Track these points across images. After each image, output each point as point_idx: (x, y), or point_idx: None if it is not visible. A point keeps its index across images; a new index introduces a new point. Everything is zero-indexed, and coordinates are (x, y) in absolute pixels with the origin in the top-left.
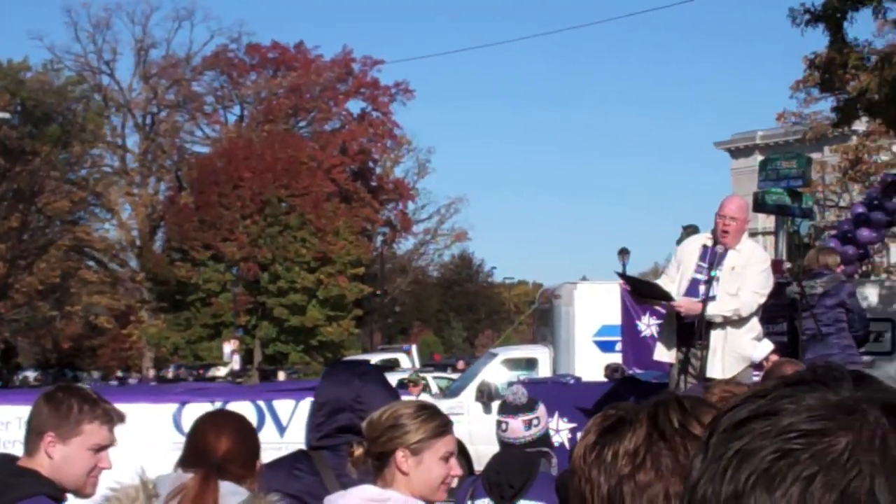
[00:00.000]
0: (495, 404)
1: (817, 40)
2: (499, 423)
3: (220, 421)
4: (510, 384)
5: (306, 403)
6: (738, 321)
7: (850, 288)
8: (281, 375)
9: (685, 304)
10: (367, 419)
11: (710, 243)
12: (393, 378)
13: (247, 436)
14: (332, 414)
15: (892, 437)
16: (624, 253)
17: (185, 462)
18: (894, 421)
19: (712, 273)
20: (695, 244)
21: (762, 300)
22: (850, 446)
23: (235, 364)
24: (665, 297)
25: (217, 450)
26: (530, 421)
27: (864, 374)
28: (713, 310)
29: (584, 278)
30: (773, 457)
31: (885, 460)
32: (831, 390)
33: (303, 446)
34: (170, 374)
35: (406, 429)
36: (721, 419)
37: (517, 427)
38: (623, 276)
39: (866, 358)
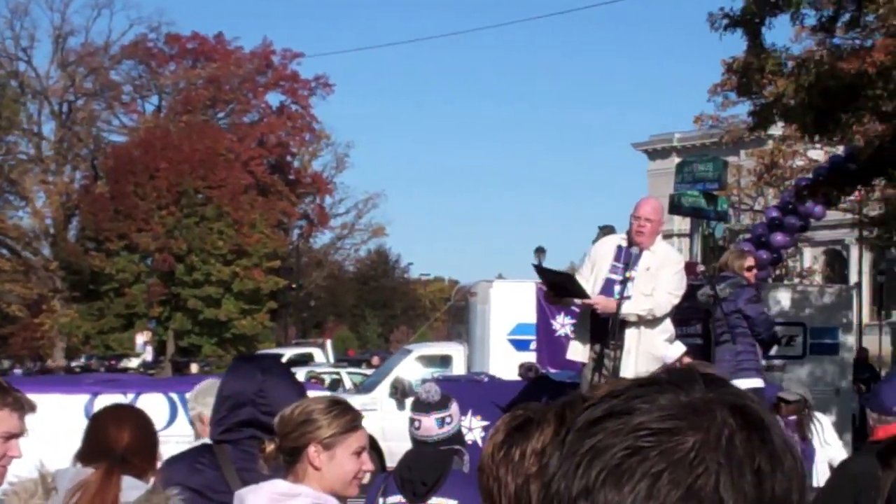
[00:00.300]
0: (409, 401)
1: (735, 44)
2: (412, 420)
3: (120, 415)
4: (424, 381)
5: None
6: (652, 322)
7: (749, 293)
8: (194, 368)
9: (601, 301)
10: (279, 415)
11: (624, 244)
12: (306, 372)
13: (147, 429)
14: (234, 408)
15: (738, 436)
16: (540, 251)
17: (85, 456)
18: (741, 421)
19: (627, 273)
20: (609, 244)
21: (676, 301)
22: (698, 445)
23: (148, 355)
24: (579, 292)
25: (119, 444)
26: (443, 418)
27: (717, 376)
28: (628, 308)
29: (500, 276)
30: (623, 453)
31: (730, 459)
32: (683, 391)
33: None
34: (79, 363)
35: (318, 424)
36: (578, 418)
37: (430, 425)
38: (539, 268)
39: (777, 362)
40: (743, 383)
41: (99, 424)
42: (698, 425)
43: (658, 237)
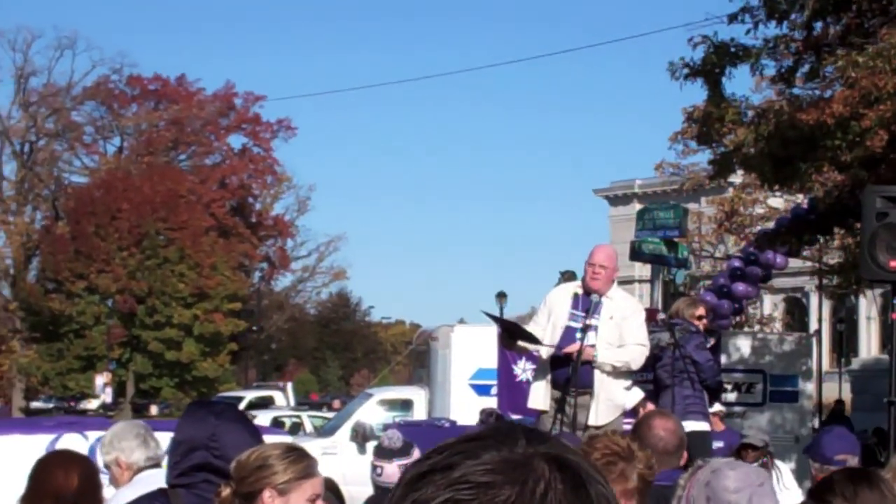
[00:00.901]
0: (370, 444)
1: (696, 93)
2: (374, 466)
3: (68, 460)
4: (385, 426)
5: None
6: (613, 370)
7: (698, 339)
8: (153, 410)
9: (574, 348)
10: (236, 459)
11: (580, 291)
12: (267, 416)
13: (93, 475)
14: (188, 452)
15: (554, 489)
16: (502, 296)
17: (31, 500)
18: (560, 474)
19: (589, 322)
20: (564, 293)
21: (647, 352)
22: (513, 497)
23: (107, 397)
24: (531, 339)
25: (68, 488)
26: (405, 465)
27: (539, 431)
28: (604, 358)
29: (462, 320)
30: None
31: None
32: (506, 447)
33: None
34: (42, 405)
35: (274, 469)
36: (405, 474)
37: (392, 472)
38: (492, 316)
39: (737, 409)
40: (690, 425)
41: (45, 470)
42: (516, 479)
43: (614, 284)
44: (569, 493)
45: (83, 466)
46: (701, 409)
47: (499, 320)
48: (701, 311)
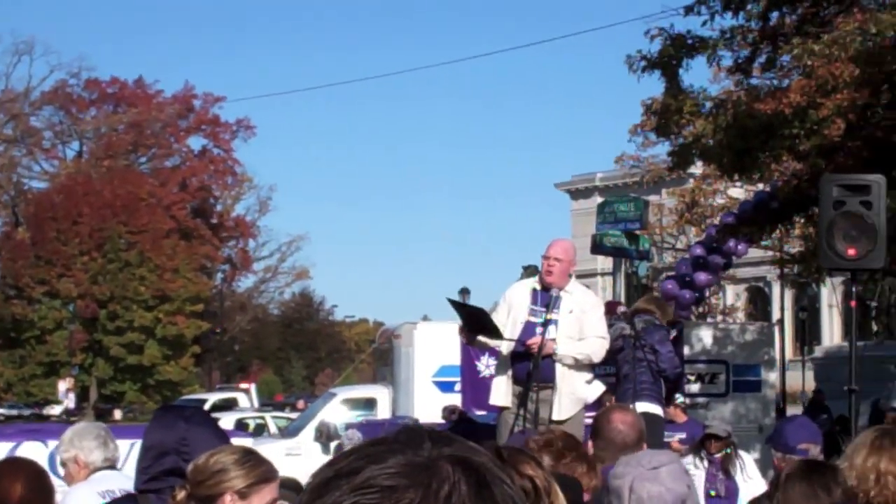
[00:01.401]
0: (334, 444)
1: (654, 85)
2: None
3: (13, 468)
4: (348, 425)
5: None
6: (574, 364)
7: (662, 332)
8: (117, 414)
9: (536, 342)
10: (192, 463)
11: (538, 286)
12: (231, 418)
13: (41, 480)
14: (158, 457)
15: (459, 490)
16: (465, 292)
17: None
18: (465, 476)
19: (549, 316)
20: (523, 289)
21: (608, 345)
22: (417, 500)
23: (70, 402)
24: (493, 330)
25: (13, 497)
26: None
27: (445, 434)
28: (565, 351)
29: (425, 317)
30: None
31: None
32: (412, 450)
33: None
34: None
35: (233, 474)
36: (311, 478)
37: None
38: (454, 302)
39: (700, 399)
40: (642, 406)
41: None
42: (420, 482)
43: (572, 278)
44: (473, 495)
45: (29, 473)
46: (655, 394)
47: (464, 306)
48: (655, 307)
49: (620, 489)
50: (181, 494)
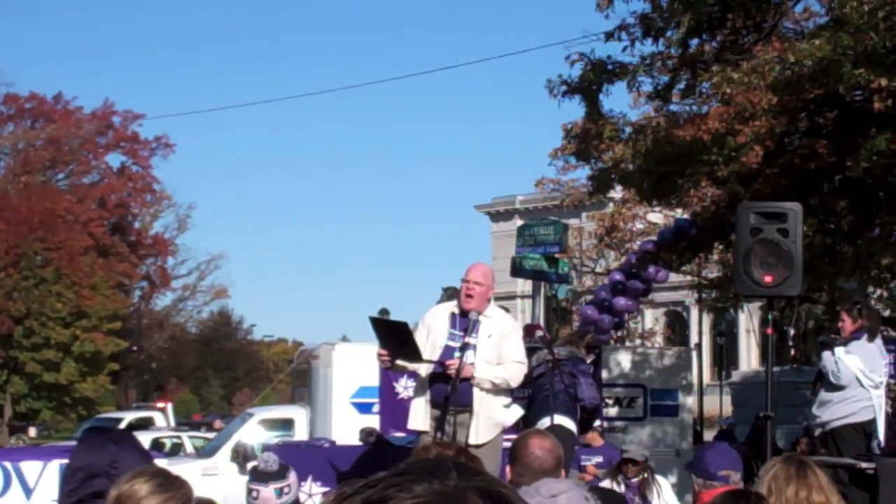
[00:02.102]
0: (251, 465)
1: (574, 110)
2: (250, 490)
3: None
4: (265, 446)
5: (54, 466)
6: (492, 388)
7: (585, 364)
8: (32, 432)
9: (454, 364)
10: (116, 490)
11: (456, 311)
12: (147, 437)
13: None
14: (86, 479)
15: None
16: (384, 313)
17: None
18: None
19: (467, 340)
20: (442, 312)
21: (526, 370)
22: None
23: None
24: (414, 348)
25: None
26: (281, 488)
27: (470, 466)
28: (483, 375)
29: (344, 338)
30: None
31: None
32: (438, 480)
33: None
34: None
35: (151, 501)
36: None
37: (268, 495)
38: (375, 320)
39: (618, 423)
40: (558, 419)
41: None
42: None
43: (490, 302)
44: None
45: None
46: (571, 412)
47: (385, 322)
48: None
49: None
50: None
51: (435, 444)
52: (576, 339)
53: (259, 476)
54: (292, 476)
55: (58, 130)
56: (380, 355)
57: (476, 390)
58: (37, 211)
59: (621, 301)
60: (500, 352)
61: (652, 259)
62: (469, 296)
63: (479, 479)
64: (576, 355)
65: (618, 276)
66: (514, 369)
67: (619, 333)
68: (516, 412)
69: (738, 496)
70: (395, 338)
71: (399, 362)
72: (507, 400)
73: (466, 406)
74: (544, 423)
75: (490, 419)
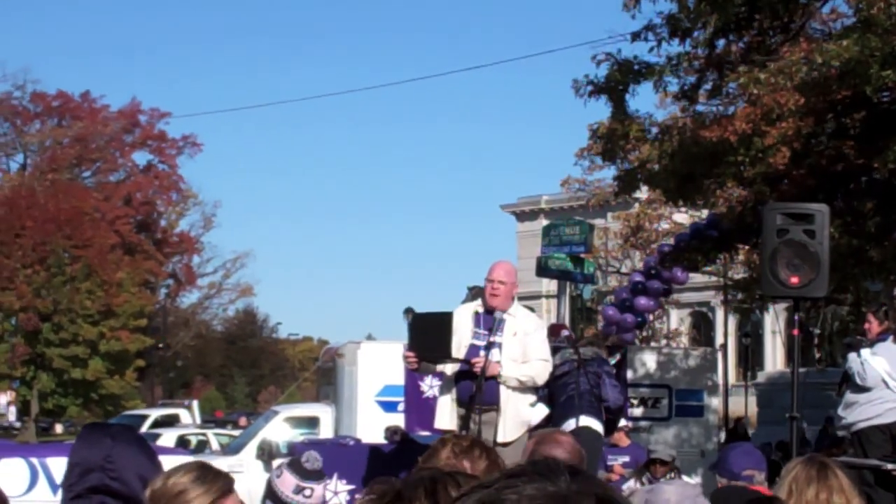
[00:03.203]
0: (276, 462)
1: (601, 110)
2: (301, 488)
3: None
4: (290, 443)
5: None
6: (518, 386)
7: (609, 364)
8: (59, 428)
9: (479, 363)
10: (149, 488)
11: (481, 310)
12: (173, 434)
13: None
14: (83, 474)
15: None
16: (409, 312)
17: None
18: None
19: (493, 338)
20: (466, 312)
21: (551, 368)
22: None
23: (11, 416)
24: (447, 346)
25: None
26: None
27: (581, 469)
28: (509, 373)
29: (370, 336)
30: None
31: None
32: (550, 482)
33: None
34: None
35: (193, 493)
36: None
37: (321, 493)
38: (418, 315)
39: (643, 423)
40: (584, 420)
41: None
42: None
43: (515, 301)
44: None
45: None
46: (596, 413)
47: (428, 317)
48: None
49: None
50: None
51: (452, 437)
52: (598, 339)
53: (309, 475)
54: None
55: (85, 128)
56: (406, 357)
57: (503, 388)
58: (63, 209)
59: (642, 301)
60: (524, 350)
61: (672, 260)
62: (495, 294)
63: (593, 484)
64: (599, 356)
65: (638, 277)
66: (540, 367)
67: (644, 333)
68: (542, 410)
69: (758, 502)
70: (432, 334)
71: (425, 364)
72: (533, 398)
73: (493, 404)
74: (570, 424)
75: (517, 417)
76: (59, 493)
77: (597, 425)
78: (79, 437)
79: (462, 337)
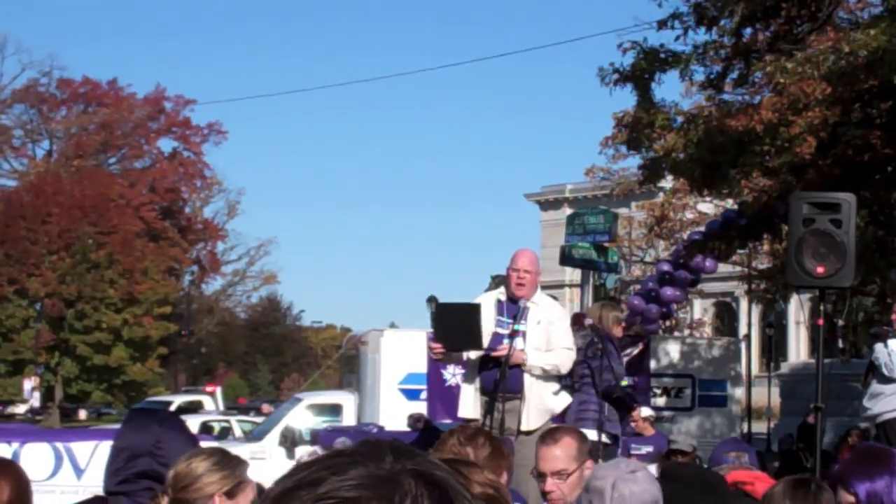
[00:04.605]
0: (299, 449)
1: (626, 98)
2: None
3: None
4: (313, 430)
5: (105, 447)
6: (542, 374)
7: (609, 346)
8: (82, 414)
9: (504, 351)
10: (172, 470)
11: (503, 298)
12: (196, 420)
13: (25, 484)
14: (130, 459)
15: (421, 503)
16: (432, 300)
17: None
18: (427, 490)
19: (517, 327)
20: (488, 300)
21: (575, 356)
22: None
23: (35, 401)
24: (476, 334)
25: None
26: None
27: (406, 447)
28: (534, 361)
29: (392, 324)
30: None
31: None
32: (373, 462)
33: (100, 490)
34: None
35: (216, 476)
36: (270, 489)
37: None
38: (444, 305)
39: (666, 413)
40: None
41: None
42: (382, 494)
43: (538, 289)
44: None
45: (15, 476)
46: (593, 416)
47: (454, 307)
48: (618, 313)
49: (603, 488)
50: (164, 501)
51: (458, 427)
52: (605, 314)
53: None
54: None
55: (110, 115)
56: (431, 348)
57: (527, 376)
58: (89, 195)
59: (668, 291)
60: (548, 339)
61: (700, 249)
62: (521, 284)
63: (416, 462)
64: (588, 337)
65: (665, 267)
66: (564, 356)
67: (668, 323)
68: (565, 399)
69: (798, 484)
70: (461, 325)
71: (448, 354)
72: (557, 387)
73: (517, 393)
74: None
75: (541, 405)
76: (83, 477)
77: (588, 433)
78: (125, 422)
79: (485, 325)
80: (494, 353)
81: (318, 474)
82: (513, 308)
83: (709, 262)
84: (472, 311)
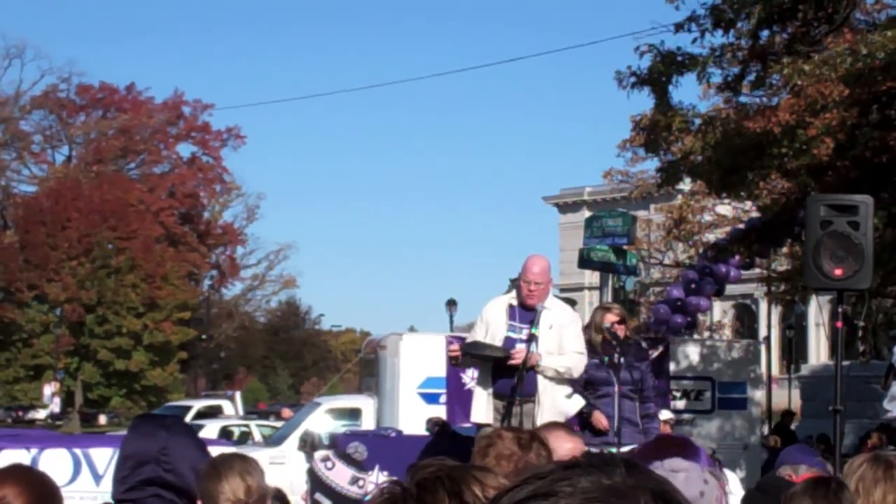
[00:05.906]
0: (318, 454)
1: (643, 101)
2: (356, 479)
3: (18, 478)
4: (332, 435)
5: None
6: (556, 376)
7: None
8: (102, 419)
9: (521, 353)
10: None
11: (515, 302)
12: (216, 425)
13: (45, 495)
14: (137, 466)
15: None
16: (451, 304)
17: None
18: None
19: (532, 331)
20: (500, 305)
21: (586, 360)
22: None
23: (55, 406)
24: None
25: None
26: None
27: (636, 462)
28: (548, 362)
29: (412, 328)
30: None
31: None
32: (605, 475)
33: None
34: None
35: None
36: (501, 499)
37: (374, 481)
38: (463, 343)
39: (686, 416)
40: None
41: None
42: None
43: (549, 294)
44: None
45: (32, 484)
46: (657, 432)
47: (483, 347)
48: (613, 317)
49: None
50: None
51: (503, 428)
52: (599, 318)
53: (361, 466)
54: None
55: (129, 120)
56: (451, 353)
57: (540, 379)
58: (108, 200)
59: (693, 300)
60: (560, 342)
61: (722, 255)
62: (531, 295)
63: (648, 479)
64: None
65: (692, 275)
66: (576, 359)
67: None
68: (578, 402)
69: (818, 483)
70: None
71: (464, 358)
72: (569, 390)
73: (531, 396)
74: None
75: (554, 407)
76: (102, 483)
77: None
78: (131, 429)
79: (496, 330)
80: (512, 362)
81: (553, 486)
82: (525, 314)
83: (733, 271)
84: (500, 356)
